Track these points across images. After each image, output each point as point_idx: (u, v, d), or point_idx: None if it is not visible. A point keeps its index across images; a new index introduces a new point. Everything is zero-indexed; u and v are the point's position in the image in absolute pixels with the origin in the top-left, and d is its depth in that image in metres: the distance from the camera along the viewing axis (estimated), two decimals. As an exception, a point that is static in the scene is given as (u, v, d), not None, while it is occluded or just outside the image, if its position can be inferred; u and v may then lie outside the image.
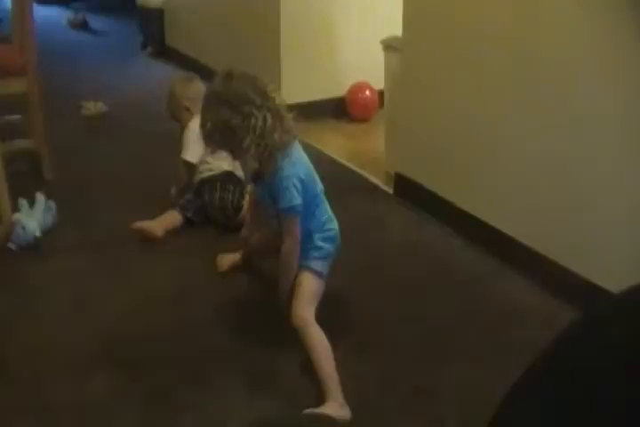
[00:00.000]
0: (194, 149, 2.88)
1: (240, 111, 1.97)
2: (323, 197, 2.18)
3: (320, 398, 1.92)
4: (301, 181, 2.06)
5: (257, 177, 2.17)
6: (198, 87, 2.93)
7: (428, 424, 1.89)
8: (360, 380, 2.03)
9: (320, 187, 2.17)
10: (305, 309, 2.05)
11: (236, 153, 2.13)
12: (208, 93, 2.12)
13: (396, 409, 1.95)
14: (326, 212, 2.19)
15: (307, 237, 2.12)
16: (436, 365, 2.12)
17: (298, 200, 2.04)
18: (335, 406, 1.88)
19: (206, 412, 1.92)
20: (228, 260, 2.58)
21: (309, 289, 2.10)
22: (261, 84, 2.03)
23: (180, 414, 1.92)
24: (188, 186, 2.98)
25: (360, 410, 1.92)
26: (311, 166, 2.15)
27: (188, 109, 2.93)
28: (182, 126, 2.98)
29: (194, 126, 2.89)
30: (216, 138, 2.06)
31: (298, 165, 2.08)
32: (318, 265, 2.12)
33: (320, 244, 2.14)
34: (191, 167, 2.93)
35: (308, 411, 1.86)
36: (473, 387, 2.01)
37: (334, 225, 2.20)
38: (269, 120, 1.98)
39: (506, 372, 2.01)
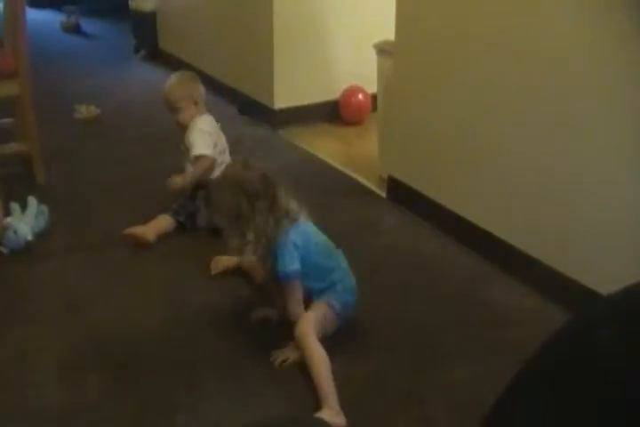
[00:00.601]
0: (203, 142, 2.87)
1: (253, 204, 2.05)
2: (329, 259, 2.21)
3: (316, 403, 1.93)
4: (296, 247, 2.10)
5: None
6: (176, 89, 2.91)
7: (419, 424, 1.89)
8: (352, 381, 2.03)
9: (335, 264, 2.21)
10: (309, 325, 2.07)
11: (234, 242, 2.13)
12: (227, 175, 2.17)
13: (388, 410, 1.95)
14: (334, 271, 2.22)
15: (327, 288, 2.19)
16: (428, 367, 2.12)
17: (294, 266, 2.10)
18: (331, 414, 1.88)
19: (200, 414, 1.92)
20: (222, 262, 2.58)
21: (320, 313, 2.13)
22: (271, 180, 2.10)
23: (173, 417, 1.91)
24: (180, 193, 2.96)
25: (351, 411, 1.92)
26: (322, 240, 2.21)
27: (180, 110, 2.89)
28: (181, 125, 2.93)
29: (199, 123, 2.91)
30: (226, 216, 2.12)
31: (295, 233, 2.12)
32: (336, 303, 2.16)
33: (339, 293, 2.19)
34: (208, 161, 2.88)
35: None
36: (464, 389, 2.01)
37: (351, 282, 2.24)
38: (271, 222, 2.07)
39: (497, 374, 2.01)
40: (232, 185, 2.08)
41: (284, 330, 2.17)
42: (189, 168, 2.90)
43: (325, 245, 2.23)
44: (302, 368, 2.04)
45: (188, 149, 2.90)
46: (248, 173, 2.09)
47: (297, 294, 2.14)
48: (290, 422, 1.79)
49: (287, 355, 2.12)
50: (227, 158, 2.94)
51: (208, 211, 2.82)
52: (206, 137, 2.89)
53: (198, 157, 2.86)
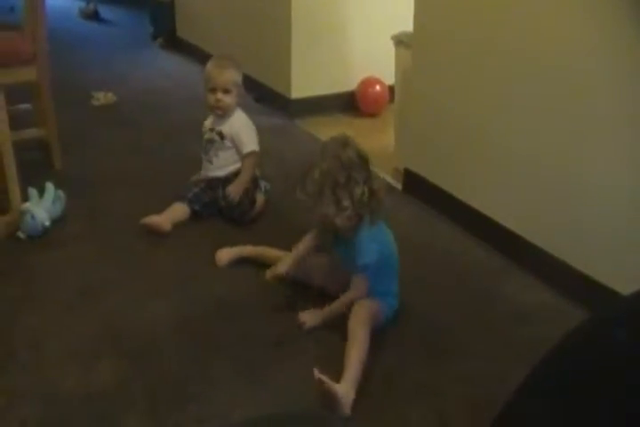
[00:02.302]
0: (254, 138, 2.89)
1: (349, 174, 2.12)
2: (395, 273, 2.30)
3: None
4: (376, 242, 2.19)
5: (335, 231, 2.25)
6: (233, 73, 2.88)
7: (432, 420, 1.90)
8: (364, 375, 2.03)
9: (396, 273, 2.30)
10: (369, 310, 2.14)
11: (330, 208, 2.15)
12: (324, 151, 2.19)
13: (400, 405, 1.95)
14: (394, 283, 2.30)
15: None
16: (441, 361, 2.12)
17: (371, 258, 2.17)
18: (344, 392, 1.88)
19: (210, 404, 1.93)
20: (227, 254, 2.59)
21: (375, 306, 2.18)
22: (368, 160, 2.18)
23: (184, 406, 1.92)
24: (196, 181, 2.97)
25: (364, 405, 1.92)
26: (394, 245, 2.30)
27: (230, 95, 2.86)
28: (221, 108, 2.88)
29: (242, 117, 2.92)
30: (316, 189, 2.13)
31: (380, 234, 2.23)
32: (382, 309, 2.22)
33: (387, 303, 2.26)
34: (258, 157, 2.90)
35: (322, 376, 1.86)
36: (477, 384, 2.01)
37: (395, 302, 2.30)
38: (366, 193, 2.14)
39: (510, 369, 2.03)
40: (330, 155, 2.14)
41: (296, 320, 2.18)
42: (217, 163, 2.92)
43: (396, 253, 2.30)
44: (316, 359, 2.04)
45: (222, 143, 2.89)
46: (346, 148, 2.16)
47: (363, 288, 2.20)
48: (289, 416, 1.81)
49: (310, 319, 2.21)
50: None
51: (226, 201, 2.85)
52: (252, 132, 2.91)
53: (250, 153, 2.87)
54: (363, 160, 2.17)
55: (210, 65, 2.92)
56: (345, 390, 1.89)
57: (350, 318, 2.11)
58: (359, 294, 2.20)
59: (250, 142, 2.88)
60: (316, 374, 1.87)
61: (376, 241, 2.20)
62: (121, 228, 2.82)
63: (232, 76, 2.87)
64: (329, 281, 2.33)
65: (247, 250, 2.60)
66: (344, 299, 2.21)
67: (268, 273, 2.34)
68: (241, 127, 2.89)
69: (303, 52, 3.99)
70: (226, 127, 2.89)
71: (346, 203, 2.12)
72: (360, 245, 2.17)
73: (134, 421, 1.87)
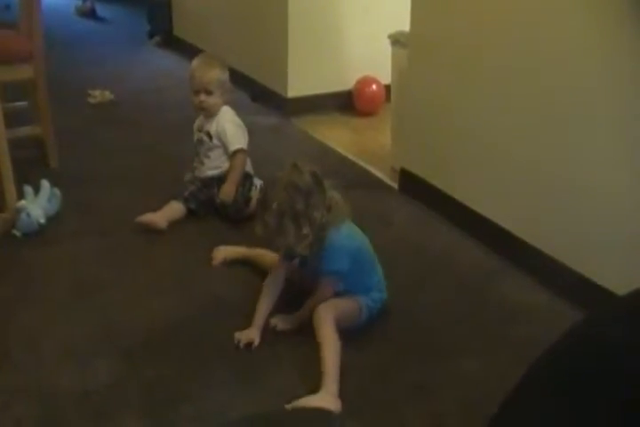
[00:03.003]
0: (241, 135, 2.89)
1: (307, 200, 2.08)
2: (373, 267, 2.29)
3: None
4: (344, 246, 2.17)
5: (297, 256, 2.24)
6: (215, 73, 2.88)
7: (427, 419, 1.90)
8: (360, 374, 2.04)
9: (374, 269, 2.29)
10: (330, 309, 2.12)
11: (290, 238, 2.13)
12: (278, 181, 2.14)
13: (396, 404, 1.95)
14: (374, 278, 2.29)
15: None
16: (437, 360, 2.12)
17: (339, 265, 2.16)
18: (325, 398, 1.89)
19: (206, 403, 1.93)
20: (223, 253, 2.59)
21: (345, 304, 2.18)
22: (321, 180, 2.14)
23: (179, 405, 1.92)
24: (191, 180, 2.97)
25: (359, 404, 1.93)
26: (367, 243, 2.28)
27: (212, 95, 2.85)
28: (206, 110, 2.89)
29: (228, 115, 2.91)
30: (276, 221, 2.09)
31: (347, 239, 2.19)
32: (364, 305, 2.22)
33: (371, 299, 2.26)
34: (245, 154, 2.90)
35: (289, 405, 1.87)
36: (472, 383, 2.02)
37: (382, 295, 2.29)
38: (325, 214, 2.11)
39: (506, 369, 2.03)
40: (286, 186, 2.09)
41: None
42: (204, 162, 2.92)
43: (370, 248, 2.29)
44: (312, 359, 2.04)
45: (210, 142, 2.91)
46: (300, 173, 2.11)
47: (331, 292, 2.19)
48: (287, 414, 1.81)
49: (281, 323, 2.21)
50: None
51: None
52: (238, 129, 2.91)
53: (237, 152, 2.87)
54: (318, 182, 2.13)
55: (192, 66, 2.92)
56: (322, 397, 1.89)
57: (313, 319, 2.10)
58: (325, 297, 2.18)
59: (235, 141, 2.87)
60: (288, 407, 1.87)
61: (345, 246, 2.17)
62: (117, 226, 2.81)
63: (214, 77, 2.86)
64: (300, 277, 2.32)
65: (242, 252, 2.59)
66: (310, 303, 2.19)
67: (242, 338, 2.18)
68: (226, 126, 2.88)
69: (300, 50, 3.99)
70: (212, 127, 2.90)
71: (305, 230, 2.09)
72: (329, 252, 2.15)
73: (130, 419, 1.87)
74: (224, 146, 2.89)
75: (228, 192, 2.84)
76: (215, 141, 2.90)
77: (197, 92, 2.86)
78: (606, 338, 0.74)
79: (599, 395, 0.71)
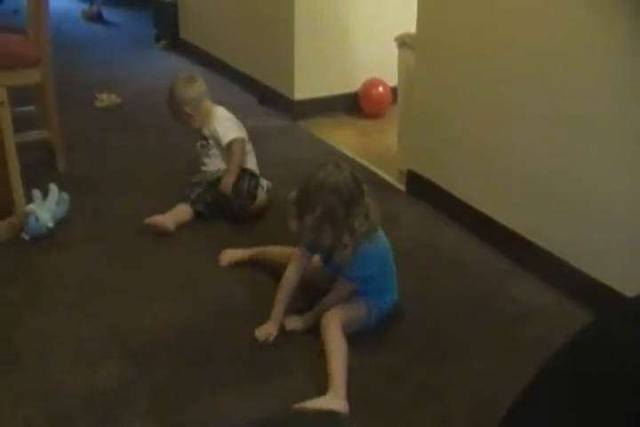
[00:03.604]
0: (228, 127, 2.91)
1: (348, 208, 2.06)
2: (392, 270, 2.29)
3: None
4: (375, 254, 2.18)
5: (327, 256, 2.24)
6: (199, 87, 2.94)
7: (435, 420, 1.89)
8: (367, 375, 2.04)
9: (392, 273, 2.30)
10: (338, 312, 2.13)
11: (327, 242, 2.14)
12: (321, 180, 2.09)
13: (403, 405, 1.95)
14: (391, 281, 2.30)
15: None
16: (444, 362, 2.12)
17: (368, 271, 2.17)
18: (333, 400, 1.89)
19: (213, 406, 1.93)
20: (229, 256, 2.60)
21: (354, 308, 2.18)
22: (360, 181, 2.12)
23: (187, 406, 1.92)
24: (197, 182, 2.99)
25: (366, 405, 1.93)
26: (388, 246, 2.27)
27: (190, 115, 2.93)
28: (195, 127, 2.97)
29: (218, 112, 2.94)
30: (316, 224, 2.08)
31: (377, 245, 2.19)
32: (374, 307, 2.22)
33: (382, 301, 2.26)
34: (241, 143, 2.90)
35: (297, 405, 1.88)
36: (480, 385, 2.01)
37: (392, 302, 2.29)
38: (365, 223, 2.09)
39: (514, 370, 2.03)
40: (332, 190, 2.06)
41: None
42: (206, 160, 2.95)
43: (391, 251, 2.28)
44: (320, 362, 2.04)
45: (207, 144, 2.95)
46: (344, 177, 2.08)
47: (348, 292, 2.20)
48: (294, 417, 1.81)
49: (296, 324, 2.21)
50: (249, 148, 2.96)
51: (237, 200, 2.86)
52: (228, 122, 2.94)
53: (230, 144, 2.88)
54: (359, 187, 2.11)
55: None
56: (330, 399, 1.90)
57: (320, 327, 2.11)
58: (343, 296, 2.20)
59: (226, 134, 2.90)
60: (295, 407, 1.88)
61: (375, 253, 2.19)
62: (125, 229, 2.82)
63: (180, 98, 2.92)
64: (317, 277, 2.32)
65: (248, 253, 2.59)
66: (327, 300, 2.20)
67: (261, 334, 2.19)
68: (216, 125, 2.92)
69: (306, 53, 3.99)
70: (206, 130, 2.96)
71: (346, 239, 2.08)
72: (360, 258, 2.14)
73: (137, 421, 1.87)
74: (219, 144, 2.92)
75: (226, 183, 2.86)
76: (212, 143, 2.95)
77: (181, 122, 3.01)
78: (615, 340, 0.74)
79: (608, 397, 0.71)
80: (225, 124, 2.93)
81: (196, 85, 2.95)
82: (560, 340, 0.93)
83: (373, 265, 2.18)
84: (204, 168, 3.01)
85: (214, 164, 2.98)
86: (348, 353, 2.03)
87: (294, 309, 2.26)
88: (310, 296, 2.30)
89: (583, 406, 0.72)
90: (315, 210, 2.05)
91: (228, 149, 2.90)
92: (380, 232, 2.23)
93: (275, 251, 2.50)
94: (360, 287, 2.22)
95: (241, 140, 2.90)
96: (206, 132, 2.95)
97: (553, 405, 0.77)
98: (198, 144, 3.01)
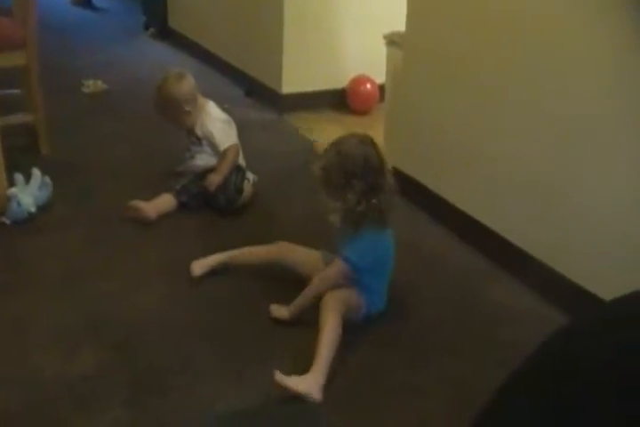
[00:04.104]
0: (226, 133, 2.88)
1: (347, 180, 2.09)
2: (386, 278, 2.29)
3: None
4: (375, 249, 2.19)
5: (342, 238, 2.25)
6: (190, 82, 2.90)
7: (414, 418, 1.91)
8: (348, 373, 2.04)
9: (387, 273, 2.29)
10: (340, 297, 2.13)
11: (322, 198, 2.18)
12: (338, 146, 2.15)
13: (383, 402, 1.96)
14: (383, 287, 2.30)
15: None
16: (424, 361, 2.13)
17: (361, 261, 2.16)
18: (308, 383, 1.91)
19: (192, 395, 1.93)
20: (200, 265, 2.44)
21: (352, 297, 2.18)
22: (375, 165, 2.13)
23: (166, 396, 1.92)
24: (182, 172, 2.98)
25: (347, 402, 1.94)
26: (391, 252, 2.28)
27: (189, 112, 2.89)
28: (188, 126, 2.94)
29: (212, 113, 2.91)
30: (319, 182, 2.14)
31: (379, 243, 2.21)
32: (364, 302, 2.22)
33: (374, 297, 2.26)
34: (236, 149, 2.89)
35: (280, 376, 1.88)
36: (459, 385, 2.03)
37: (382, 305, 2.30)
38: (363, 204, 2.10)
39: (493, 372, 2.04)
40: (336, 154, 2.12)
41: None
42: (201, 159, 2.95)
43: (392, 259, 2.29)
44: (301, 351, 2.05)
45: (200, 144, 2.92)
46: (357, 151, 2.12)
47: (339, 278, 2.19)
48: (273, 409, 1.82)
49: (282, 313, 2.21)
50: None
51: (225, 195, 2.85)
52: (226, 127, 2.91)
53: (227, 149, 2.87)
54: (368, 166, 2.11)
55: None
56: (310, 380, 1.91)
57: (321, 307, 2.10)
58: (328, 278, 2.18)
59: (224, 140, 2.87)
60: (277, 377, 1.89)
61: (376, 247, 2.20)
62: (107, 216, 2.81)
63: (178, 97, 2.86)
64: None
65: (221, 259, 2.45)
66: (314, 281, 2.20)
67: (275, 311, 2.24)
68: (211, 127, 2.88)
69: (295, 47, 3.99)
70: (198, 130, 2.92)
71: (335, 205, 2.12)
72: (359, 242, 2.16)
73: (116, 409, 1.87)
74: (213, 147, 2.90)
75: (212, 181, 2.84)
76: (204, 143, 2.93)
77: (172, 123, 2.96)
78: (590, 346, 0.75)
79: (582, 404, 0.72)
80: (219, 127, 2.89)
81: (187, 81, 2.90)
82: (537, 342, 0.95)
83: (369, 255, 2.17)
84: (192, 160, 2.99)
85: (203, 159, 2.96)
86: (339, 339, 2.03)
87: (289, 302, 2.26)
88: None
89: (558, 407, 0.74)
90: (314, 168, 2.13)
91: (222, 154, 2.88)
92: (388, 232, 2.24)
93: (251, 257, 2.43)
94: (353, 281, 2.21)
95: (236, 147, 2.89)
96: (199, 132, 2.91)
97: (527, 404, 0.78)
98: (187, 139, 2.99)
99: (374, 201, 2.12)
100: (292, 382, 1.89)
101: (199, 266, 2.43)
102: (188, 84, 2.89)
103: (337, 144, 2.16)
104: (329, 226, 2.21)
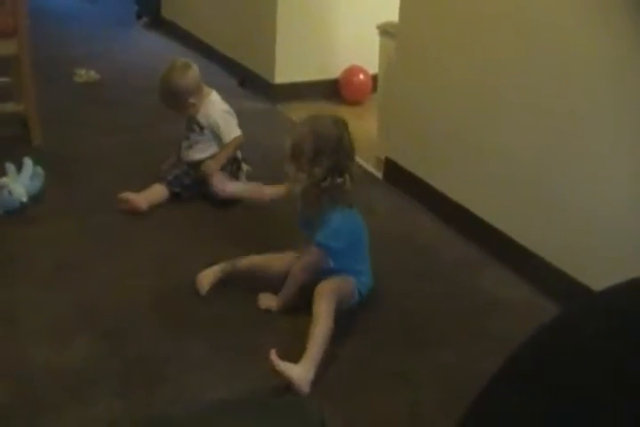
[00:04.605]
0: (231, 124, 2.88)
1: (316, 155, 2.12)
2: (365, 255, 2.30)
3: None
4: (342, 230, 2.19)
5: (306, 217, 2.26)
6: (195, 71, 2.86)
7: (404, 407, 1.91)
8: (339, 363, 2.05)
9: (366, 256, 2.30)
10: (334, 287, 2.13)
11: (289, 169, 2.21)
12: (314, 124, 2.20)
13: (373, 392, 1.97)
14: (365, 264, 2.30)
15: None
16: (415, 351, 2.14)
17: (333, 243, 2.17)
18: (302, 373, 1.91)
19: (183, 386, 1.93)
20: (206, 278, 2.31)
21: (344, 284, 2.18)
22: (350, 144, 2.20)
23: (156, 386, 1.92)
24: (176, 163, 2.97)
25: (338, 390, 1.94)
26: (363, 230, 2.28)
27: (194, 104, 2.85)
28: (192, 115, 2.90)
29: (217, 103, 2.89)
30: (288, 156, 2.18)
31: (348, 222, 2.21)
32: (355, 283, 2.23)
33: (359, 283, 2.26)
34: (240, 140, 2.89)
35: (274, 356, 1.89)
36: (450, 374, 2.03)
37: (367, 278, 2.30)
38: (328, 180, 2.13)
39: (484, 362, 2.05)
40: (311, 130, 2.16)
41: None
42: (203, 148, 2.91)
43: (366, 236, 2.29)
44: (294, 347, 2.05)
45: (201, 129, 2.88)
46: (331, 131, 2.16)
47: (317, 264, 2.19)
48: (265, 400, 1.82)
49: (269, 303, 2.23)
50: None
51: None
52: (230, 117, 2.89)
53: (232, 139, 2.86)
54: (339, 147, 2.15)
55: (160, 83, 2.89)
56: (301, 370, 1.91)
57: (314, 297, 2.10)
58: (307, 264, 2.20)
59: (230, 131, 2.87)
60: (272, 355, 1.89)
61: (346, 227, 2.20)
62: (99, 206, 2.80)
63: (184, 89, 2.82)
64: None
65: (228, 267, 2.33)
66: (295, 268, 2.21)
67: (263, 302, 2.26)
68: (217, 117, 2.86)
69: (288, 37, 3.97)
70: (202, 118, 2.88)
71: (300, 176, 2.15)
72: (330, 224, 2.16)
73: (106, 399, 1.87)
74: (217, 137, 2.88)
75: (210, 165, 2.83)
76: (207, 132, 2.89)
77: (176, 111, 2.93)
78: (580, 336, 0.75)
79: (573, 392, 0.72)
80: (225, 118, 2.87)
81: (193, 72, 2.86)
82: (529, 333, 0.95)
83: (342, 238, 2.18)
84: (189, 150, 2.93)
85: (202, 150, 2.91)
86: (331, 331, 2.03)
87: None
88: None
89: (548, 401, 0.74)
90: (287, 137, 2.18)
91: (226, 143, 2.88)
92: (355, 211, 2.25)
93: (265, 264, 2.34)
94: (333, 264, 2.21)
95: (240, 139, 2.88)
96: (202, 121, 2.88)
97: (517, 397, 0.78)
98: (186, 126, 2.93)
99: (339, 180, 2.15)
100: (285, 367, 1.90)
101: (204, 280, 2.30)
102: (193, 75, 2.86)
103: (311, 122, 2.22)
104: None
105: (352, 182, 2.19)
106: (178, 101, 2.85)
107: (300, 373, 1.91)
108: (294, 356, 1.96)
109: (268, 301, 2.25)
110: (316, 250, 2.20)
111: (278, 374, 1.89)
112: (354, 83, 4.10)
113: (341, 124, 2.20)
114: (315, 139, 2.14)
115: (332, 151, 2.14)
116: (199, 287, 2.30)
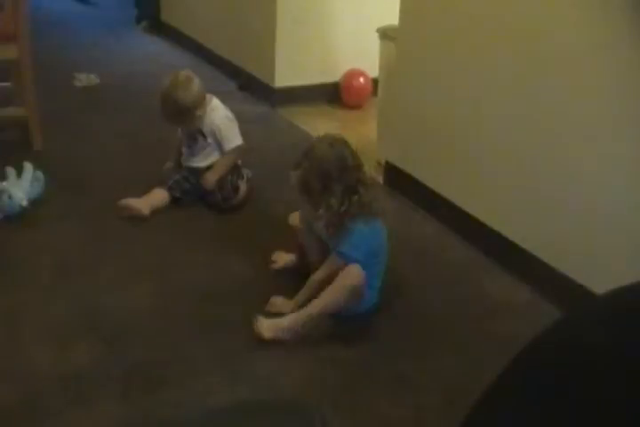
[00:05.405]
0: (234, 132, 2.86)
1: (326, 184, 2.12)
2: (380, 272, 2.28)
3: (296, 389, 1.95)
4: (368, 240, 2.18)
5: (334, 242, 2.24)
6: (197, 83, 2.81)
7: (408, 410, 1.91)
8: (341, 366, 2.05)
9: (381, 269, 2.29)
10: (355, 277, 2.11)
11: (305, 210, 2.25)
12: (310, 153, 2.17)
13: (378, 394, 1.96)
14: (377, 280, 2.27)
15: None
16: (416, 354, 2.14)
17: (356, 253, 2.14)
18: (282, 324, 2.05)
19: (185, 390, 1.93)
20: (284, 258, 2.46)
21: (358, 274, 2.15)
22: (354, 158, 2.17)
23: (158, 390, 1.92)
24: (175, 168, 2.96)
25: (340, 397, 1.94)
26: (385, 244, 2.28)
27: (200, 117, 2.81)
28: (197, 127, 2.86)
29: (220, 109, 2.87)
30: (299, 192, 2.18)
31: (373, 228, 2.21)
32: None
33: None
34: (242, 149, 2.88)
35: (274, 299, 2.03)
36: (453, 379, 2.03)
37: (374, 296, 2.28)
38: (346, 204, 2.12)
39: (488, 366, 2.03)
40: (310, 164, 2.13)
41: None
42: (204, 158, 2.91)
43: (384, 252, 2.29)
44: (296, 351, 2.05)
45: (204, 137, 2.86)
46: (329, 154, 2.14)
47: (362, 285, 2.14)
48: (266, 404, 1.81)
49: (281, 308, 2.20)
50: None
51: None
52: (234, 125, 2.88)
53: (234, 148, 2.85)
54: (343, 167, 2.13)
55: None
56: (281, 322, 2.04)
57: (338, 275, 2.10)
58: (330, 273, 2.16)
59: (232, 139, 2.85)
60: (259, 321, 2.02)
61: (367, 239, 2.18)
62: (100, 211, 2.80)
63: (190, 104, 2.76)
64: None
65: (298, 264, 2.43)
66: (316, 277, 2.19)
67: (274, 305, 2.23)
68: (220, 124, 2.85)
69: (288, 40, 3.97)
70: (206, 126, 2.85)
71: (320, 212, 2.13)
72: (352, 236, 2.15)
73: (108, 403, 1.87)
74: (219, 143, 2.87)
75: (209, 179, 2.82)
76: (210, 140, 2.87)
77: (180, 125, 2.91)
78: (586, 339, 0.75)
79: (578, 396, 0.72)
80: (231, 127, 2.85)
81: (196, 82, 2.80)
82: (531, 336, 0.95)
83: (362, 249, 2.16)
84: (192, 158, 2.92)
85: (205, 157, 2.90)
86: (342, 302, 2.07)
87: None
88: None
89: (551, 406, 0.73)
90: (292, 175, 2.17)
91: (227, 152, 2.86)
92: (379, 223, 2.24)
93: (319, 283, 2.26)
94: None
95: (242, 149, 2.87)
96: (205, 130, 2.85)
97: (516, 404, 0.78)
98: (187, 133, 2.90)
99: (355, 197, 2.14)
100: (262, 329, 2.04)
101: (280, 260, 2.46)
102: (197, 88, 2.80)
103: (308, 152, 2.18)
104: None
105: (368, 191, 2.18)
106: (185, 118, 2.81)
107: (288, 324, 2.02)
108: (297, 358, 1.96)
109: (279, 305, 2.22)
110: (339, 260, 2.16)
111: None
112: (354, 86, 4.10)
113: (339, 144, 2.18)
114: (317, 171, 2.12)
115: (338, 174, 2.12)
116: (274, 262, 2.45)
